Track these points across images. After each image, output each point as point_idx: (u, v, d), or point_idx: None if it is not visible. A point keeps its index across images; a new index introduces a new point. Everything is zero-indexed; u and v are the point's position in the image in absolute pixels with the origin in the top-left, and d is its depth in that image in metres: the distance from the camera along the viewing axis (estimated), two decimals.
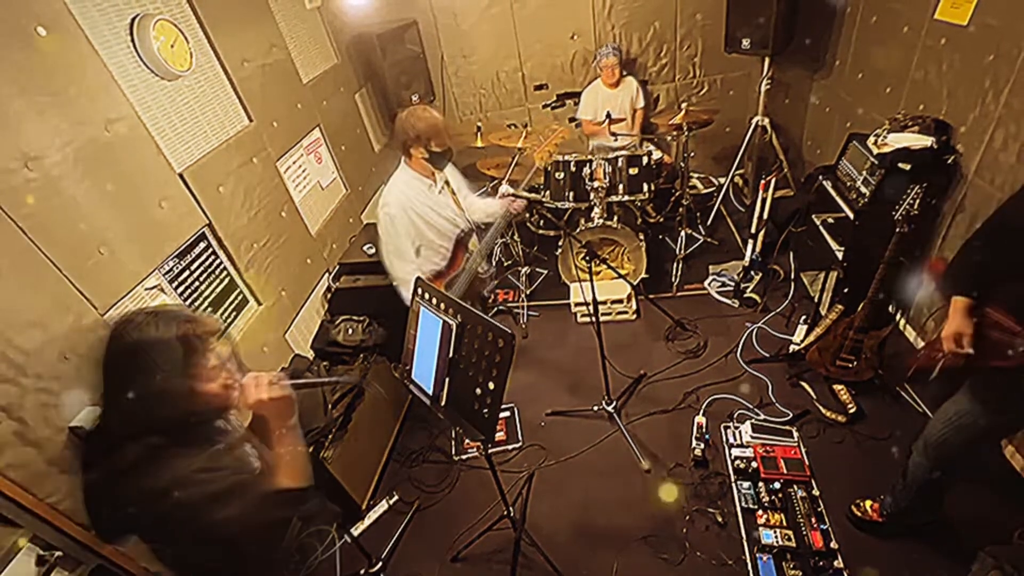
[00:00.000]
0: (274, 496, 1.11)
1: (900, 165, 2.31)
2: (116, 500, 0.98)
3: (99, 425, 1.08)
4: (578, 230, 3.27)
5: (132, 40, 1.95)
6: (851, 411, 2.46)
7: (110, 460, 0.99)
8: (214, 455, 1.07)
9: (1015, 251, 1.47)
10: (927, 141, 2.30)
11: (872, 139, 2.49)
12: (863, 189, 2.50)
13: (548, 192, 3.40)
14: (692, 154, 3.69)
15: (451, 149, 2.24)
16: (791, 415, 2.54)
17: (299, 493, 1.15)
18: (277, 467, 1.17)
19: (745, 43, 3.43)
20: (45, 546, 1.43)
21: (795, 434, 2.42)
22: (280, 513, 1.10)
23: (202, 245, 2.21)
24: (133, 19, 1.95)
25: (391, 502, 2.52)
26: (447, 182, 2.36)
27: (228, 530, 1.02)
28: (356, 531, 2.40)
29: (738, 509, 2.19)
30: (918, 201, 2.04)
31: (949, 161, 2.31)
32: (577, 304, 3.39)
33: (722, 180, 4.02)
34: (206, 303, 2.20)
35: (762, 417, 2.55)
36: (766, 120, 3.74)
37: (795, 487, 2.21)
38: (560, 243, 3.46)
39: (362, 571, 2.23)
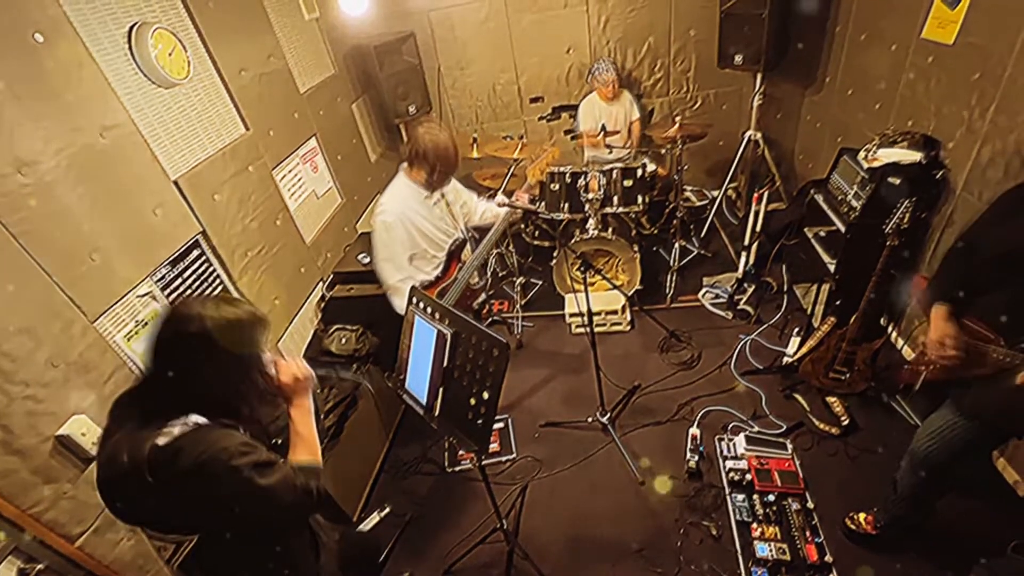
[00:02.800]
0: (297, 467, 1.18)
1: (890, 179, 2.34)
2: (168, 475, 1.01)
3: (128, 407, 1.11)
4: (573, 241, 3.29)
5: (130, 48, 1.96)
6: (844, 423, 2.47)
7: (156, 436, 1.03)
8: (245, 437, 1.13)
9: (987, 263, 1.53)
10: (916, 156, 2.33)
11: (862, 154, 2.52)
12: (854, 203, 2.53)
13: (543, 203, 3.42)
14: (686, 167, 3.72)
15: (451, 177, 2.31)
16: (785, 427, 2.54)
17: (316, 468, 1.23)
18: (295, 444, 1.25)
19: (738, 59, 3.49)
20: (27, 559, 1.40)
21: (789, 446, 2.42)
22: (307, 482, 1.16)
23: (195, 253, 2.19)
24: (131, 27, 1.96)
25: (383, 514, 2.48)
26: (443, 195, 2.38)
27: (270, 500, 1.07)
28: None
29: (732, 522, 2.18)
30: (908, 215, 2.07)
31: (938, 176, 2.35)
32: (572, 315, 3.40)
33: (715, 193, 4.06)
34: None
35: (756, 429, 2.55)
36: (759, 134, 3.79)
37: (789, 500, 2.20)
38: (555, 254, 3.47)
39: None
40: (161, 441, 1.01)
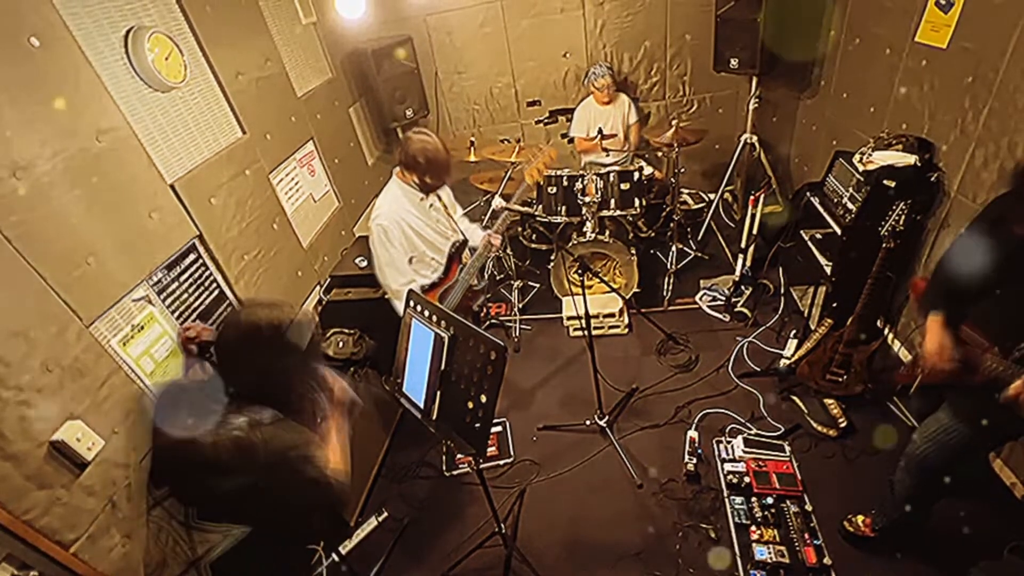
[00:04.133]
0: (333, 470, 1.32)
1: (885, 182, 2.35)
2: (254, 458, 1.16)
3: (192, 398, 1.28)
4: (570, 244, 3.29)
5: (126, 52, 1.95)
6: (842, 425, 2.47)
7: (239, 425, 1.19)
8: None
9: (980, 271, 1.53)
10: (911, 159, 2.35)
11: (857, 157, 2.54)
12: (850, 205, 2.54)
13: (541, 206, 3.43)
14: (683, 170, 3.74)
15: (443, 182, 2.34)
16: (783, 429, 2.54)
17: (345, 473, 1.36)
18: (333, 453, 1.37)
19: (733, 63, 3.51)
20: (20, 565, 1.38)
21: (787, 448, 2.42)
22: (340, 485, 1.31)
23: (192, 256, 2.19)
24: (128, 31, 1.96)
25: (380, 519, 2.47)
26: (439, 197, 2.39)
27: (327, 491, 1.24)
28: (344, 549, 2.35)
29: (731, 525, 2.18)
30: (903, 217, 2.08)
31: (932, 179, 2.36)
32: (569, 318, 3.40)
33: (712, 196, 4.08)
34: (195, 315, 2.17)
35: (754, 431, 2.55)
36: (754, 138, 3.81)
37: (788, 502, 2.20)
38: (552, 257, 3.47)
39: None
40: (247, 428, 1.15)
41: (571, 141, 4.12)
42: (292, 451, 1.19)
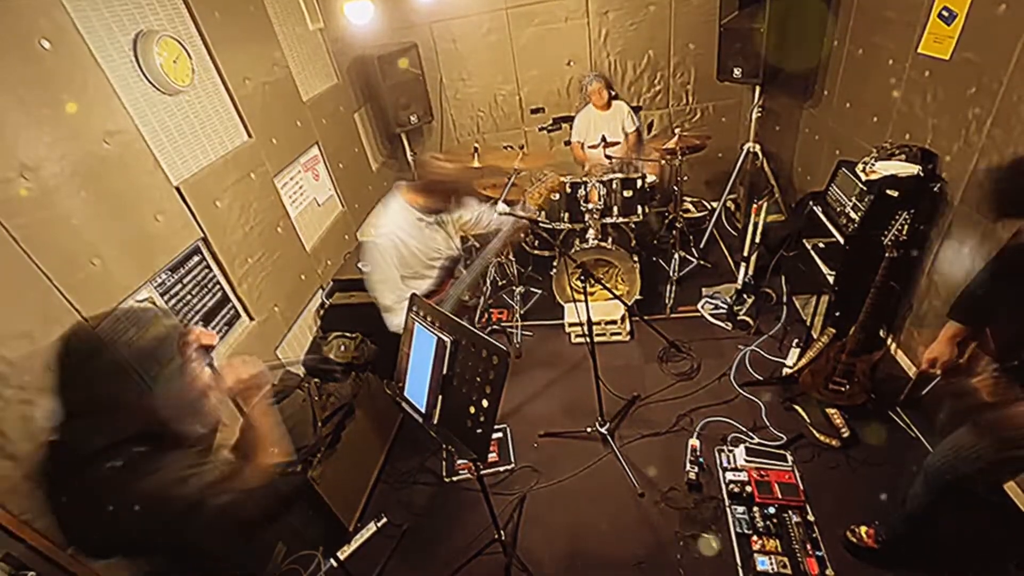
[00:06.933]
0: (260, 473, 1.13)
1: (888, 192, 2.35)
2: (110, 513, 0.98)
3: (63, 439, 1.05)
4: (573, 250, 3.29)
5: (135, 55, 1.98)
6: (844, 435, 2.45)
7: (93, 475, 0.99)
8: (195, 454, 1.10)
9: (1011, 291, 1.50)
10: (914, 169, 2.35)
11: (860, 166, 2.54)
12: (852, 215, 2.54)
13: (543, 212, 3.44)
14: (685, 178, 3.75)
15: (457, 207, 2.37)
16: (785, 439, 2.53)
17: (283, 466, 1.19)
18: (260, 445, 1.19)
19: (736, 72, 3.52)
20: (18, 565, 1.38)
21: (789, 458, 2.41)
22: (264, 497, 1.12)
23: (196, 259, 2.20)
24: (137, 35, 1.98)
25: (379, 524, 2.46)
26: (438, 216, 2.37)
27: (223, 520, 1.05)
28: (342, 555, 2.33)
29: (733, 534, 2.16)
30: (906, 227, 2.08)
31: (935, 189, 2.36)
32: (571, 324, 3.39)
33: (715, 204, 4.09)
34: (198, 317, 2.17)
35: (756, 441, 2.53)
36: (757, 147, 3.82)
37: (790, 512, 2.19)
38: (555, 263, 3.48)
39: None
40: (107, 479, 0.99)
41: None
42: (172, 487, 0.99)
